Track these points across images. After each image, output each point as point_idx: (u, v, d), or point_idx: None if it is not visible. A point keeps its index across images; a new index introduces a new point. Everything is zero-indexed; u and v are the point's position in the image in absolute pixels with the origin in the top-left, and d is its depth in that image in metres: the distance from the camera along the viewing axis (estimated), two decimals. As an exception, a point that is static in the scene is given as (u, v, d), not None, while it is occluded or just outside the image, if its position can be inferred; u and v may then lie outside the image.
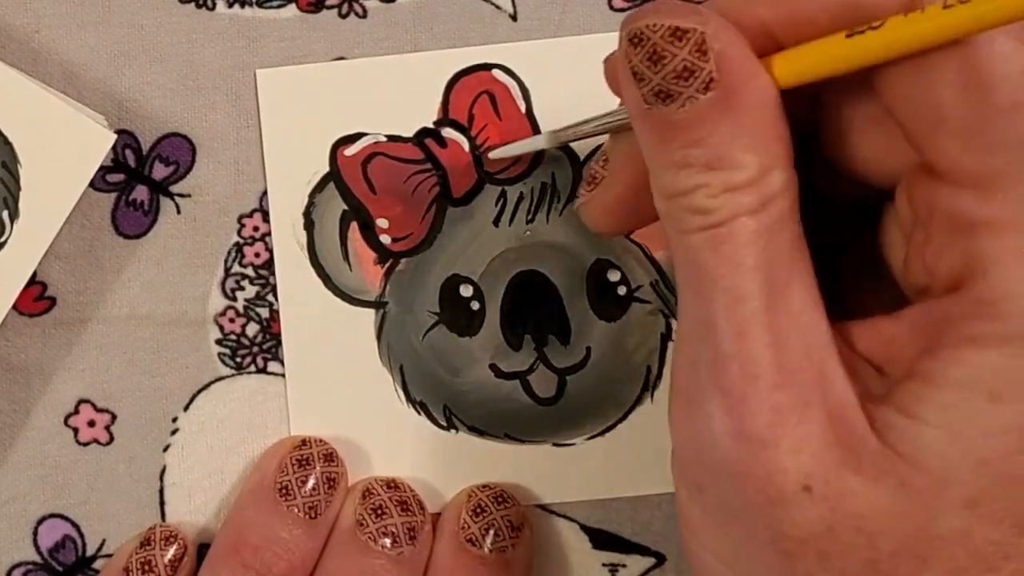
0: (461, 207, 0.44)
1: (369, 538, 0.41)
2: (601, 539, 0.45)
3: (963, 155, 0.28)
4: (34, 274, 0.42)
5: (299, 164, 0.44)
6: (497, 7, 0.45)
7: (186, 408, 0.44)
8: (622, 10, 0.45)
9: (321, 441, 0.43)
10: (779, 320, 0.28)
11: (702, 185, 0.28)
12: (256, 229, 0.44)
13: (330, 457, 0.42)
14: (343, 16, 0.45)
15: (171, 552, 0.42)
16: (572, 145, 0.44)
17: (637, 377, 0.44)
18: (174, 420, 0.44)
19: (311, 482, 0.42)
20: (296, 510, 0.41)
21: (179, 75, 0.44)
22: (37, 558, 0.44)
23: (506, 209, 0.44)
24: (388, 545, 0.41)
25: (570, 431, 0.44)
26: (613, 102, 0.45)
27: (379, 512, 0.42)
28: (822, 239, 0.30)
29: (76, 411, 0.44)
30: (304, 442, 0.43)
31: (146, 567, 0.42)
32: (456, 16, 0.45)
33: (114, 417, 0.44)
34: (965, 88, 0.28)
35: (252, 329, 0.44)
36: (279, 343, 0.44)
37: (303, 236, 0.44)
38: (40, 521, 0.44)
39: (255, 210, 0.44)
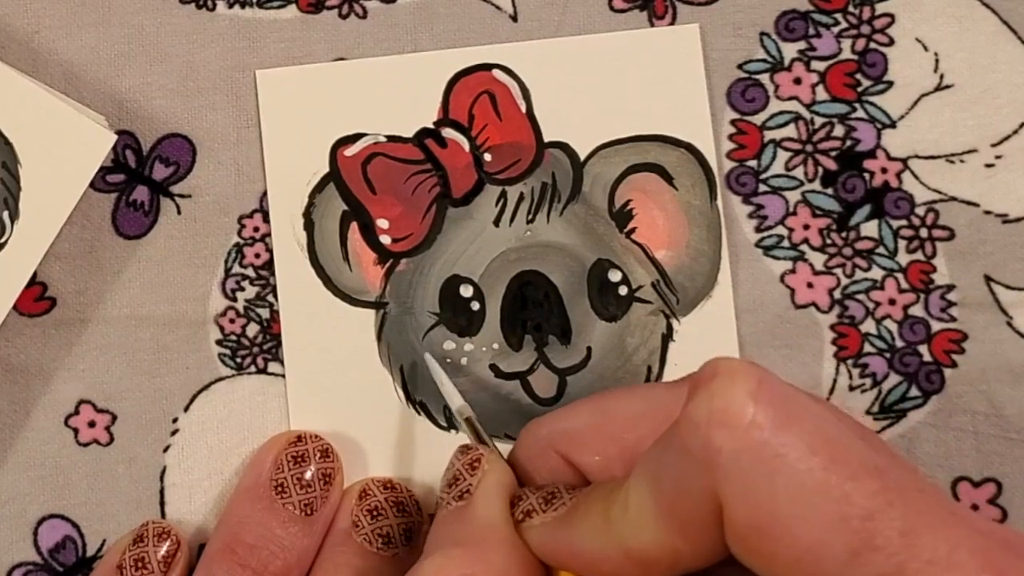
0: (461, 207, 0.44)
1: (364, 539, 0.41)
2: (601, 540, 0.44)
3: None
4: (34, 274, 0.43)
5: (299, 164, 0.44)
6: (497, 8, 0.45)
7: (186, 408, 0.44)
8: (622, 11, 0.45)
9: (316, 437, 0.43)
10: None
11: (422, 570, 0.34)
12: (256, 229, 0.44)
13: (326, 453, 0.42)
14: (343, 16, 0.45)
15: (164, 548, 0.42)
16: (572, 144, 0.44)
17: (637, 377, 0.44)
18: (174, 421, 0.44)
19: (307, 479, 0.42)
20: (292, 507, 0.41)
21: (179, 75, 0.44)
22: (37, 558, 0.44)
23: (506, 209, 0.44)
24: (383, 546, 0.41)
25: (570, 431, 0.44)
26: (611, 103, 0.45)
27: (375, 513, 0.42)
28: None
29: (76, 411, 0.44)
30: (299, 438, 0.43)
31: (139, 564, 0.41)
32: (456, 16, 0.45)
33: (114, 418, 0.44)
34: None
35: (252, 329, 0.44)
36: (279, 343, 0.44)
37: (303, 236, 0.44)
38: (40, 521, 0.44)
39: (255, 210, 0.44)
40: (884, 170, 0.45)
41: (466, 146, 0.44)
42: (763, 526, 0.29)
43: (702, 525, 0.30)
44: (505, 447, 0.44)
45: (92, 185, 0.43)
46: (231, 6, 0.45)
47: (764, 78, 0.45)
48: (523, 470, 0.38)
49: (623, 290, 0.44)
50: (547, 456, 0.38)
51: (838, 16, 0.45)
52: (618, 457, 0.36)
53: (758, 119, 0.45)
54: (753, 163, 0.45)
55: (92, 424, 0.44)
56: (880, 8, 0.45)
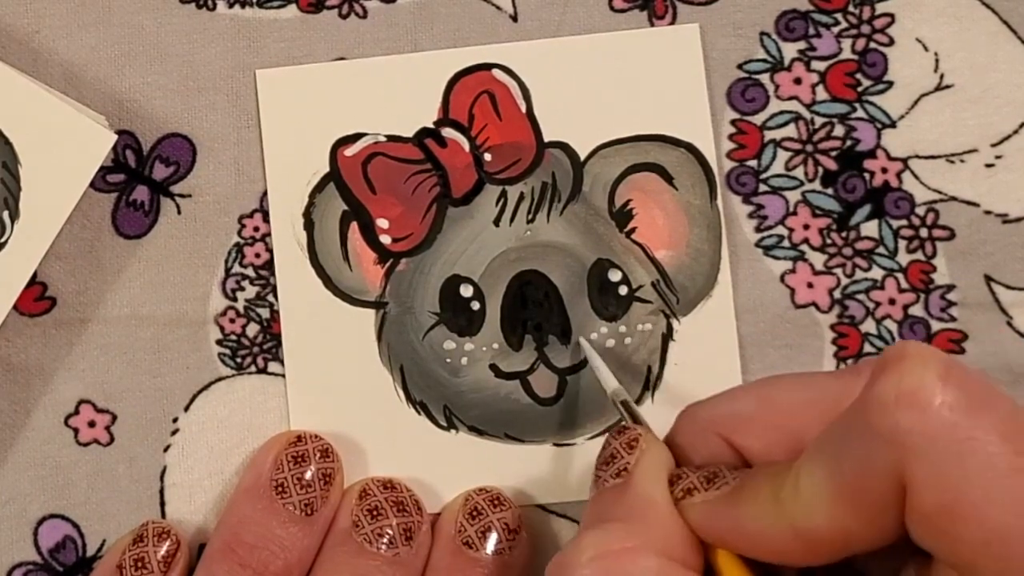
0: (461, 207, 0.44)
1: (365, 539, 0.41)
2: (601, 540, 0.44)
3: None
4: (34, 274, 0.43)
5: (299, 164, 0.44)
6: (497, 7, 0.45)
7: (186, 408, 0.44)
8: (622, 11, 0.45)
9: (316, 437, 0.43)
10: None
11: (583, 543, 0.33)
12: (256, 229, 0.44)
13: (326, 453, 0.42)
14: (343, 16, 0.45)
15: (164, 548, 0.42)
16: (572, 144, 0.44)
17: (637, 377, 0.44)
18: (174, 420, 0.44)
19: (307, 479, 0.42)
20: (292, 507, 0.41)
21: (179, 75, 0.44)
22: (37, 558, 0.44)
23: (506, 209, 0.44)
24: (384, 546, 0.41)
25: (570, 431, 0.44)
26: (611, 103, 0.45)
27: (375, 513, 0.42)
28: None
29: (76, 411, 0.44)
30: (299, 438, 0.43)
31: (139, 563, 0.42)
32: (456, 16, 0.45)
33: (114, 417, 0.44)
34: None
35: (252, 329, 0.44)
36: (279, 343, 0.44)
37: (303, 236, 0.44)
38: (40, 521, 0.44)
39: (255, 210, 0.44)
40: (884, 170, 0.45)
41: (466, 146, 0.44)
42: (951, 507, 0.29)
43: (881, 507, 0.30)
44: (507, 447, 0.44)
45: (92, 185, 0.43)
46: (231, 6, 0.45)
47: (764, 78, 0.45)
48: (680, 452, 0.37)
49: (623, 290, 0.44)
50: (707, 438, 0.37)
51: (838, 16, 0.45)
52: (781, 442, 0.35)
53: (758, 119, 0.45)
54: (753, 163, 0.45)
55: (92, 424, 0.44)
56: (880, 8, 0.45)
